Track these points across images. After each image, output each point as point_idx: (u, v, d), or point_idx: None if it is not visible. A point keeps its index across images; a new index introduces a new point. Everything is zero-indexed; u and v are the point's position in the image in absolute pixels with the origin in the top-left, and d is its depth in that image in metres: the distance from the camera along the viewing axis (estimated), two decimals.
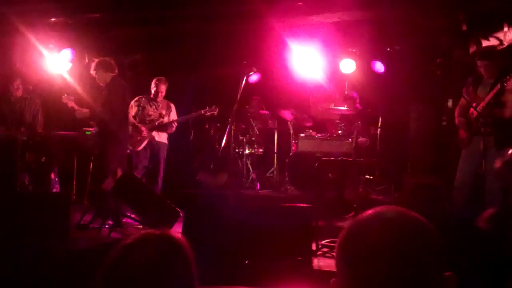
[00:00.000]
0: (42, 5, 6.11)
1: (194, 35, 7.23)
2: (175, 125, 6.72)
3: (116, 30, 7.01)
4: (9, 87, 6.38)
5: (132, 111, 6.47)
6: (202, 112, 6.94)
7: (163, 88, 6.59)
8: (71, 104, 6.14)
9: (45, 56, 6.89)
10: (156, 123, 6.56)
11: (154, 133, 6.54)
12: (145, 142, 6.42)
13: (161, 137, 6.64)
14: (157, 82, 6.60)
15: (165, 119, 6.64)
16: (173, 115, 6.81)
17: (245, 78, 5.89)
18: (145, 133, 6.39)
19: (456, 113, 5.07)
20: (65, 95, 6.21)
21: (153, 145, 6.53)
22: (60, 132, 6.52)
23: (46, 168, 6.47)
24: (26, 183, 6.37)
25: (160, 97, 6.63)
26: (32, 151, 6.39)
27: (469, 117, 4.85)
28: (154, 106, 6.62)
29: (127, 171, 5.67)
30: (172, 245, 1.29)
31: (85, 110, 5.87)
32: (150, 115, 6.58)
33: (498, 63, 4.69)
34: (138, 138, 6.37)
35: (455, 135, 5.13)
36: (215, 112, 7.00)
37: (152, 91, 6.61)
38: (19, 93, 6.42)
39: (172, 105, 6.83)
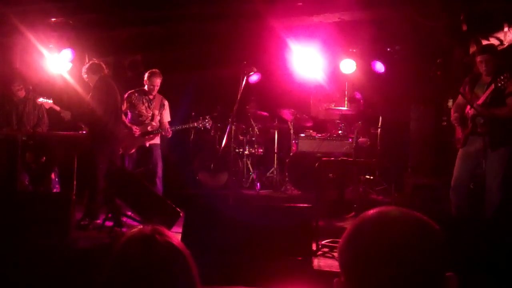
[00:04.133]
0: (42, 5, 6.11)
1: (194, 35, 7.23)
2: (170, 130, 6.44)
3: (116, 30, 7.01)
4: (11, 88, 6.39)
5: (123, 106, 6.19)
6: (195, 124, 6.86)
7: (158, 82, 6.31)
8: (49, 105, 6.15)
9: (45, 57, 6.89)
10: (148, 128, 6.31)
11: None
12: (135, 147, 6.25)
13: (152, 138, 6.42)
14: (150, 76, 6.30)
15: (156, 120, 6.41)
16: (166, 114, 6.55)
17: (245, 78, 5.89)
18: (138, 133, 6.18)
19: (452, 111, 5.06)
20: (41, 98, 6.22)
21: (144, 149, 6.32)
22: (60, 132, 6.52)
23: (46, 168, 6.47)
24: (26, 183, 6.37)
25: (155, 92, 6.38)
26: (32, 151, 6.39)
27: (465, 116, 4.84)
28: (146, 104, 6.37)
29: (124, 170, 5.68)
30: (168, 243, 1.29)
31: (67, 112, 5.89)
32: (141, 115, 6.33)
33: (498, 60, 4.69)
34: (130, 141, 6.16)
35: (454, 135, 5.13)
36: (208, 125, 6.85)
37: (146, 86, 6.35)
38: (21, 93, 6.44)
39: (166, 103, 6.56)
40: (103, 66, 5.70)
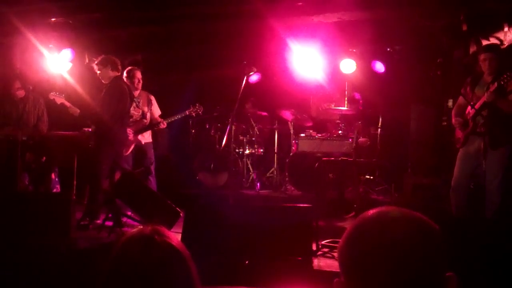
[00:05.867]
0: (42, 5, 6.11)
1: (194, 35, 7.23)
2: (164, 122, 6.49)
3: (116, 30, 7.01)
4: (10, 88, 6.38)
5: None
6: (187, 113, 6.84)
7: (139, 75, 6.25)
8: (60, 100, 6.13)
9: (45, 56, 6.88)
10: (141, 125, 6.34)
11: (139, 136, 6.37)
12: (132, 147, 6.25)
13: (145, 137, 6.46)
14: (130, 72, 6.20)
15: (148, 116, 6.44)
16: (156, 109, 6.58)
17: (245, 78, 5.90)
18: (131, 136, 6.16)
19: (453, 113, 5.07)
20: (53, 92, 6.20)
21: (138, 148, 6.34)
22: (60, 132, 6.51)
23: (46, 168, 6.46)
24: (26, 183, 6.36)
25: (140, 87, 6.32)
26: (32, 151, 6.38)
27: (465, 117, 4.85)
28: (134, 104, 6.30)
29: (127, 171, 5.68)
30: (168, 244, 1.29)
31: (76, 109, 5.88)
32: (132, 116, 6.25)
33: (501, 58, 4.70)
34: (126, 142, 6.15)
35: (453, 135, 5.13)
36: (200, 111, 6.88)
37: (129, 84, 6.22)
38: (21, 93, 6.41)
39: (152, 98, 6.57)
40: (119, 66, 5.62)
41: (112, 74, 5.55)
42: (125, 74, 6.27)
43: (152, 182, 6.29)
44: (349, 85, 8.07)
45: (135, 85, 6.26)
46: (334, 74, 7.74)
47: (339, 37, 6.74)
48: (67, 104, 6.03)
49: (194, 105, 6.88)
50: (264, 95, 8.17)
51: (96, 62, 5.63)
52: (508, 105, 4.54)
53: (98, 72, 5.61)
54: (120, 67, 5.63)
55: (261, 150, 7.82)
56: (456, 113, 4.99)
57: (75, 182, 6.30)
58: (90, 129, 6.15)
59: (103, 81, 5.61)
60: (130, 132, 6.18)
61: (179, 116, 6.80)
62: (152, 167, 6.36)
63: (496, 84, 4.50)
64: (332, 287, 1.07)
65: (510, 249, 3.44)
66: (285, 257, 3.80)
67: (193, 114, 6.93)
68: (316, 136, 7.33)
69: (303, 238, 3.90)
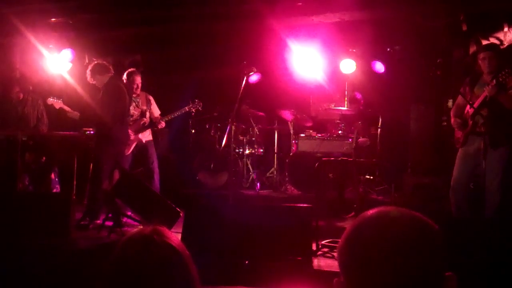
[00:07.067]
0: (42, 5, 6.11)
1: (194, 35, 7.23)
2: (163, 121, 6.52)
3: (116, 30, 7.01)
4: (10, 92, 6.40)
5: None
6: (187, 109, 6.83)
7: (139, 79, 6.27)
8: (59, 105, 6.13)
9: (45, 57, 6.88)
10: (141, 124, 6.34)
11: (139, 134, 6.38)
12: (133, 146, 6.25)
13: (146, 135, 6.45)
14: (130, 76, 6.21)
15: (147, 115, 6.45)
16: (155, 109, 6.59)
17: (245, 78, 5.89)
18: (132, 136, 6.18)
19: (452, 113, 5.06)
20: (51, 97, 6.20)
21: (139, 146, 6.35)
22: (60, 132, 6.52)
23: (46, 168, 6.47)
24: (26, 183, 6.37)
25: (138, 90, 6.34)
26: (32, 151, 6.39)
27: (465, 116, 4.84)
28: (134, 104, 6.30)
29: (127, 171, 5.68)
30: (168, 244, 1.29)
31: (76, 113, 5.87)
32: (132, 115, 6.25)
33: (501, 58, 4.69)
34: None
35: (453, 135, 5.12)
36: (199, 107, 6.89)
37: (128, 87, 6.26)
38: (20, 96, 6.44)
39: (151, 98, 6.58)
40: (109, 66, 5.63)
41: (105, 77, 5.56)
42: (124, 76, 6.29)
43: (156, 181, 6.28)
44: (349, 85, 8.07)
45: (133, 90, 6.26)
46: (334, 74, 7.73)
47: (339, 37, 6.75)
48: (66, 108, 6.04)
49: (193, 101, 6.88)
50: (264, 95, 8.15)
51: (88, 76, 5.64)
52: (508, 99, 4.53)
53: (94, 82, 5.64)
54: (111, 67, 5.63)
55: (261, 150, 7.82)
56: (455, 113, 4.97)
57: (75, 182, 6.30)
58: (91, 130, 6.16)
59: (100, 87, 5.63)
60: (131, 132, 6.20)
61: (179, 113, 6.79)
62: (155, 165, 6.35)
63: (495, 81, 4.49)
64: (332, 287, 1.07)
65: (510, 249, 3.44)
66: (285, 257, 3.80)
67: (193, 110, 6.94)
68: (316, 136, 7.33)
69: (303, 238, 3.90)
